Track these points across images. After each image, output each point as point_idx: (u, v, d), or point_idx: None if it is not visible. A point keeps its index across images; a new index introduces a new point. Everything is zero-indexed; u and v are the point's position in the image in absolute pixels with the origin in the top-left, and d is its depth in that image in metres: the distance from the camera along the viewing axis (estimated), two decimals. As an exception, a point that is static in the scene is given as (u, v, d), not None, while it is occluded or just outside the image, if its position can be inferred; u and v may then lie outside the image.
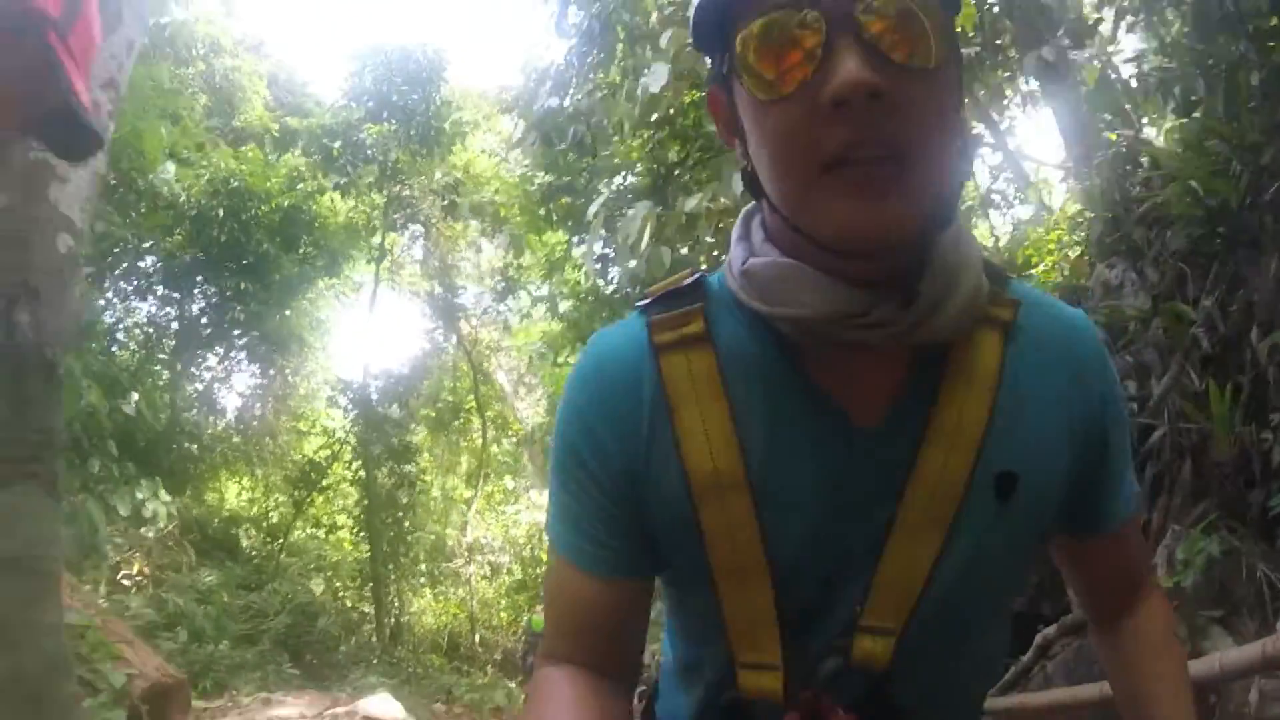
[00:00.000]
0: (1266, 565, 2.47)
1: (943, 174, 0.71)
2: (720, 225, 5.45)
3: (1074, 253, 4.56)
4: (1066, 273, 4.35)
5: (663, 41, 4.79)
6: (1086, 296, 3.51)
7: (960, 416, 0.79)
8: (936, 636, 0.81)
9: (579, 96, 7.57)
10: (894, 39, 0.66)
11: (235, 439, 12.24)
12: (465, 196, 12.59)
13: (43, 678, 2.29)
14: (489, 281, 14.65)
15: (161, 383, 10.72)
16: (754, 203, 0.84)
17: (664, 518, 0.81)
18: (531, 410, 16.73)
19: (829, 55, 0.65)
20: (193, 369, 11.62)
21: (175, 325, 11.07)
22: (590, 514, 0.83)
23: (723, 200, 4.76)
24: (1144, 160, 3.71)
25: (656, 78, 4.58)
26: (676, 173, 7.89)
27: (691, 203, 4.55)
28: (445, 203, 12.50)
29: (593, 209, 4.97)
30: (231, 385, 12.47)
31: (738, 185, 4.82)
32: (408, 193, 12.29)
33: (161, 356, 11.15)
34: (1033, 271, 4.96)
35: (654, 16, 5.66)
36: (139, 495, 9.11)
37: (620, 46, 7.30)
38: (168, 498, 9.38)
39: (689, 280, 0.85)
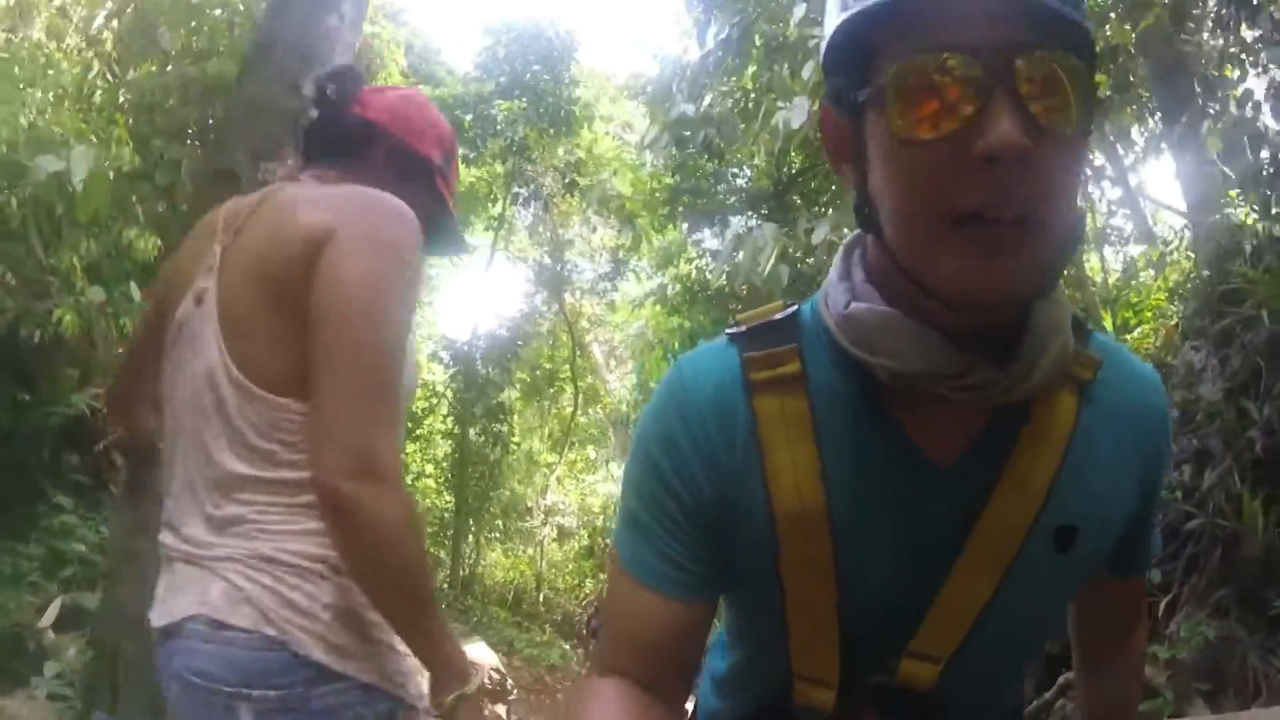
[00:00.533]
0: (1256, 655, 2.65)
1: (1062, 240, 0.71)
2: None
3: (1171, 322, 4.59)
4: (1159, 344, 4.39)
5: (805, 72, 4.96)
6: (1171, 374, 3.57)
7: (1032, 468, 0.81)
8: (981, 665, 0.86)
9: (711, 101, 7.79)
10: (1043, 103, 0.66)
11: None
12: (586, 176, 12.94)
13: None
14: (599, 259, 15.05)
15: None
16: (854, 235, 0.86)
17: (746, 545, 0.84)
18: (620, 384, 17.13)
19: (985, 108, 0.65)
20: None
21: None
22: (668, 535, 0.85)
23: (845, 230, 4.95)
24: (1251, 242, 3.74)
25: (798, 113, 4.74)
26: (800, 180, 8.05)
27: (819, 234, 4.72)
28: (566, 180, 12.86)
29: (728, 235, 5.15)
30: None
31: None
32: (530, 168, 12.68)
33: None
34: (1129, 336, 4.99)
35: (793, 28, 5.82)
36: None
37: (756, 52, 7.48)
38: None
39: (784, 315, 0.86)
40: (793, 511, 0.80)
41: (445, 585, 13.04)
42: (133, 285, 5.61)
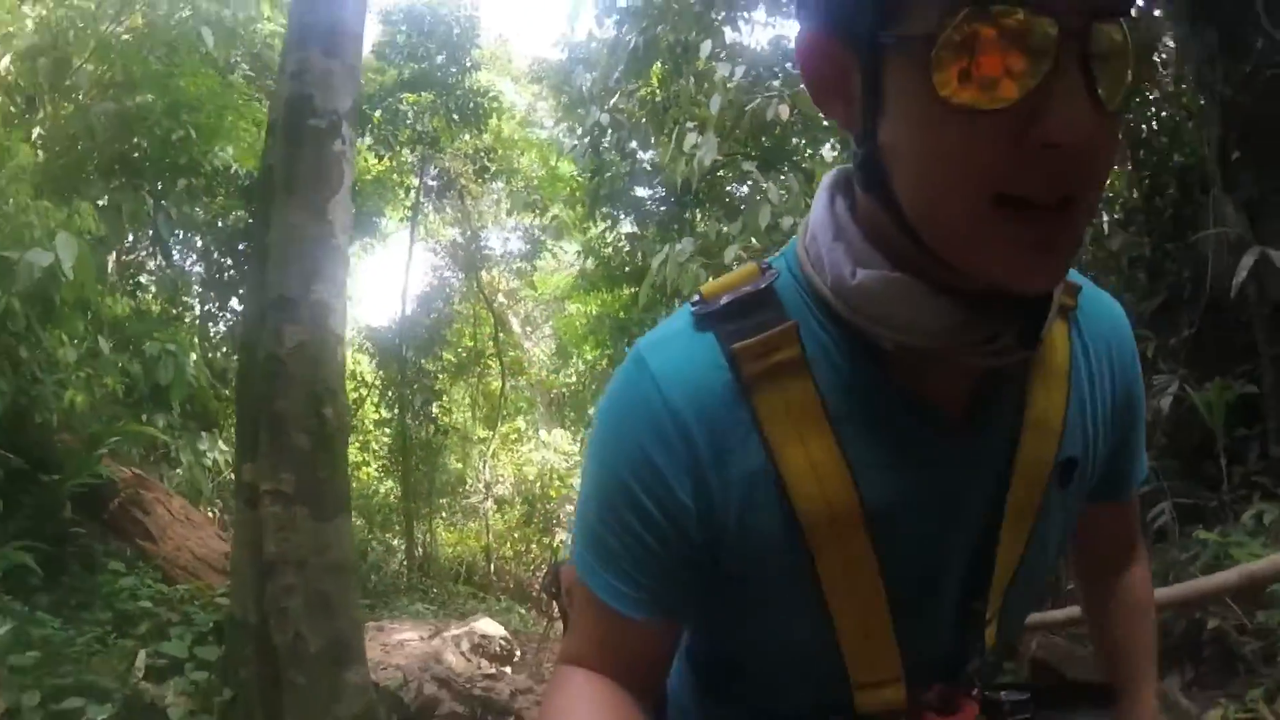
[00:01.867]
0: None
1: (1088, 223, 0.66)
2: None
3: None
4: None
5: (713, 107, 5.54)
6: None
7: (1047, 406, 0.78)
8: (1012, 618, 0.86)
9: (618, 102, 8.30)
10: (1109, 81, 0.58)
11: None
12: (495, 162, 13.29)
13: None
14: (512, 240, 15.45)
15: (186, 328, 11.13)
16: (834, 175, 0.77)
17: (765, 566, 0.75)
18: (539, 349, 17.67)
19: (1054, 81, 0.56)
20: (214, 312, 11.81)
21: (204, 279, 11.42)
22: (635, 557, 0.75)
23: (754, 242, 5.58)
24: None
25: (709, 150, 5.32)
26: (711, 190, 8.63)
27: (730, 254, 5.30)
28: (476, 166, 13.18)
29: (655, 263, 5.73)
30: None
31: (765, 219, 5.62)
32: (440, 156, 12.94)
33: (186, 300, 11.42)
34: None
35: (701, 59, 6.35)
36: (201, 447, 9.93)
37: (662, 56, 7.99)
38: (225, 448, 10.28)
39: (764, 283, 0.75)
40: (821, 515, 0.72)
41: (403, 568, 13.57)
42: (101, 340, 5.97)
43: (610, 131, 8.12)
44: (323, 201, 3.35)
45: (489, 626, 7.29)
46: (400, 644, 6.46)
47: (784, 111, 5.21)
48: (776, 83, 5.96)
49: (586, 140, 8.12)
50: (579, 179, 9.80)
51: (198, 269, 11.15)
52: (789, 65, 6.81)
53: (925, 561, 0.77)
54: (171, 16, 8.04)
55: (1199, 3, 4.18)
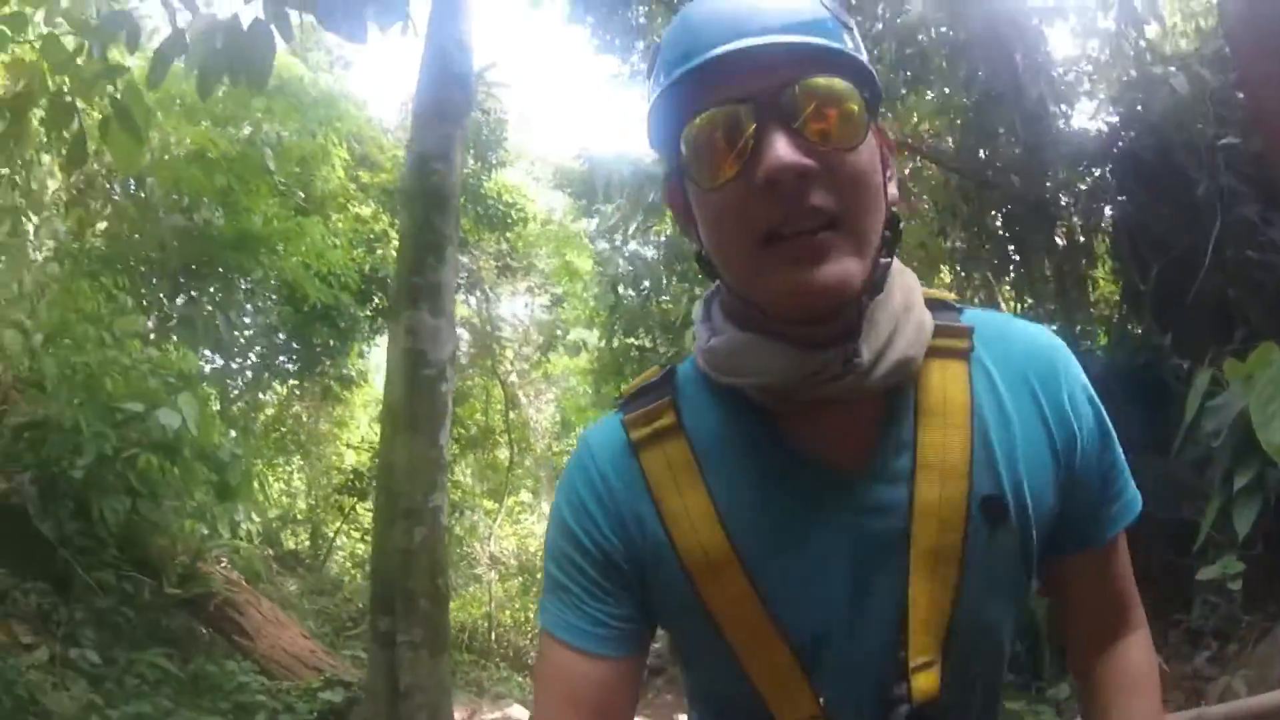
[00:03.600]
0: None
1: (872, 237, 0.79)
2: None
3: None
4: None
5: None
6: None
7: (944, 447, 0.83)
8: (968, 667, 0.87)
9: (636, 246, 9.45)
10: (818, 126, 0.75)
11: (275, 436, 13.53)
12: (518, 261, 14.49)
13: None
14: (530, 326, 16.60)
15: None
16: (712, 288, 0.93)
17: (670, 599, 0.88)
18: (541, 417, 18.61)
19: (760, 142, 0.75)
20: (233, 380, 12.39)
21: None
22: (586, 594, 0.89)
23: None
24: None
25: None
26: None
27: None
28: (499, 265, 14.36)
29: None
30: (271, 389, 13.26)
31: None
32: (467, 258, 14.13)
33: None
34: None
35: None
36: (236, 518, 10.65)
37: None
38: (257, 518, 11.17)
39: (660, 376, 0.93)
40: (699, 557, 0.84)
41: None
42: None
43: (630, 273, 9.24)
44: (434, 431, 4.47)
45: (520, 713, 7.92)
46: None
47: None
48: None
49: (605, 280, 9.24)
50: (594, 271, 10.89)
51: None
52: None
53: (820, 602, 0.84)
54: (236, 137, 9.09)
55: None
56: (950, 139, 7.69)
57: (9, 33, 3.74)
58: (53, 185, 7.54)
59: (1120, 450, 0.92)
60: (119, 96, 3.70)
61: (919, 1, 6.23)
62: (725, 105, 0.77)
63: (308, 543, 13.21)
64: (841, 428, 0.86)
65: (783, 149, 0.74)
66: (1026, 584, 0.91)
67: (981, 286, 8.19)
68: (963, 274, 8.42)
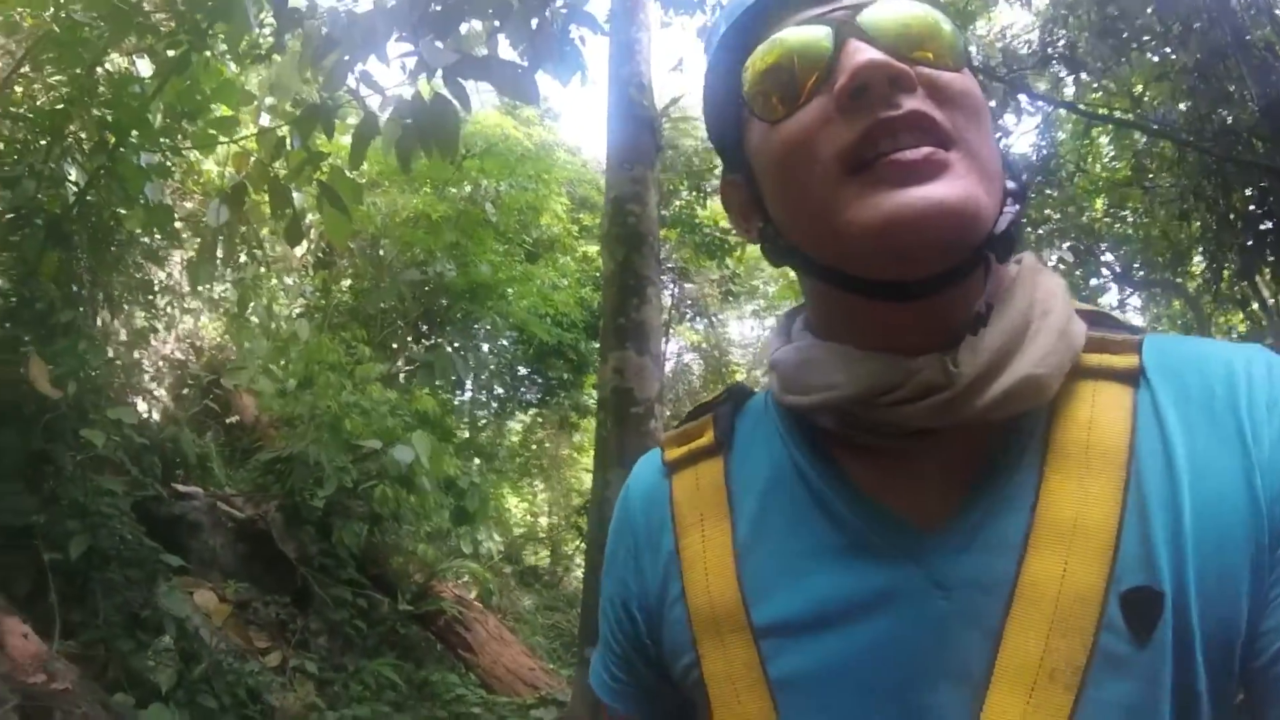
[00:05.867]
0: None
1: (995, 175, 0.59)
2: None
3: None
4: None
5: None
6: None
7: (1080, 506, 0.57)
8: None
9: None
10: (909, 41, 0.59)
11: (519, 461, 14.20)
12: (740, 286, 14.64)
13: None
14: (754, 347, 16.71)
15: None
16: (792, 309, 0.75)
17: (675, 663, 0.69)
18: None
19: (838, 54, 0.58)
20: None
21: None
22: (611, 649, 0.78)
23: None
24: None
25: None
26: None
27: None
28: (722, 291, 14.56)
29: None
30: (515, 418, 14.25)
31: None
32: (691, 286, 14.44)
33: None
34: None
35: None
36: (478, 538, 11.29)
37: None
38: (499, 537, 11.93)
39: (723, 393, 0.77)
40: (703, 608, 0.65)
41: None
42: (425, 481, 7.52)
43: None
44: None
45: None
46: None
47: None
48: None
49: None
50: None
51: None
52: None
53: (847, 712, 0.59)
54: (459, 196, 9.88)
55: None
56: (1182, 105, 6.86)
57: (219, 135, 4.34)
58: (299, 251, 8.61)
59: None
60: (325, 179, 4.19)
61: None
62: (794, 25, 0.62)
63: (548, 560, 13.91)
64: (929, 470, 0.62)
65: (869, 51, 0.58)
66: None
67: (1238, 275, 7.19)
68: (1213, 265, 7.46)
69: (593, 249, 13.81)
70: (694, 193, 13.55)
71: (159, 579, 4.29)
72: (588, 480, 15.72)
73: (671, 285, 14.52)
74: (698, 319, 15.03)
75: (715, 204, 14.22)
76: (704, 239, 13.48)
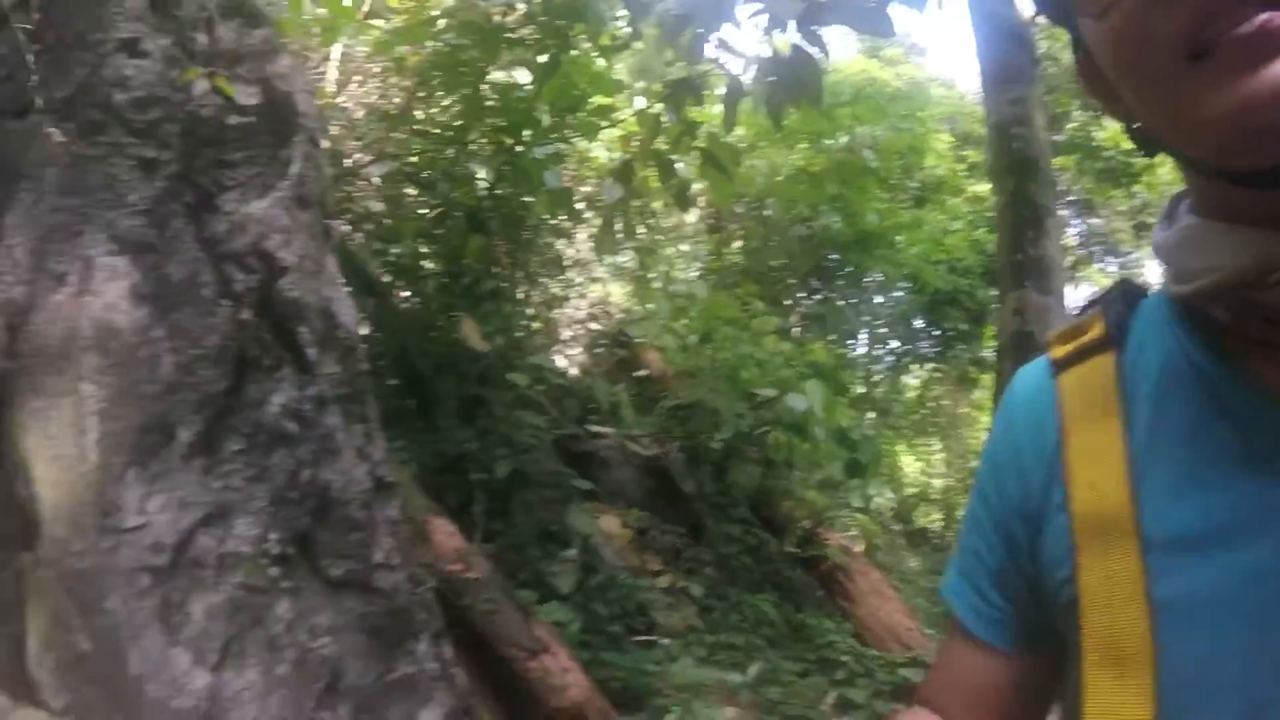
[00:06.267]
0: None
1: None
2: None
3: None
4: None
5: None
6: None
7: None
8: None
9: None
10: None
11: (915, 418, 13.75)
12: (1154, 217, 12.88)
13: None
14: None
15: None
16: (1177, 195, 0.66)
17: (1050, 579, 0.65)
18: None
19: None
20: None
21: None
22: (977, 557, 0.72)
23: None
24: None
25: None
26: None
27: None
28: (1134, 225, 12.95)
29: None
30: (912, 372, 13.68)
31: None
32: (1097, 220, 13.03)
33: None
34: None
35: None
36: (870, 493, 11.04)
37: None
38: (891, 494, 11.72)
39: (1113, 286, 0.70)
40: (1089, 514, 0.61)
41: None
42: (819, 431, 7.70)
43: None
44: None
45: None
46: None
47: None
48: None
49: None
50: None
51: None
52: None
53: (1259, 653, 0.52)
54: (836, 147, 9.77)
55: None
56: None
57: (600, 121, 4.93)
58: (690, 219, 9.30)
59: None
60: (704, 146, 4.49)
61: None
62: None
63: (940, 523, 13.50)
64: None
65: None
66: None
67: None
68: None
69: (984, 188, 13.03)
70: (1088, 113, 12.17)
71: (570, 501, 5.01)
72: (986, 441, 14.82)
73: (1075, 220, 13.23)
74: (1108, 258, 13.51)
75: (1115, 125, 12.41)
76: (1105, 165, 12.09)
